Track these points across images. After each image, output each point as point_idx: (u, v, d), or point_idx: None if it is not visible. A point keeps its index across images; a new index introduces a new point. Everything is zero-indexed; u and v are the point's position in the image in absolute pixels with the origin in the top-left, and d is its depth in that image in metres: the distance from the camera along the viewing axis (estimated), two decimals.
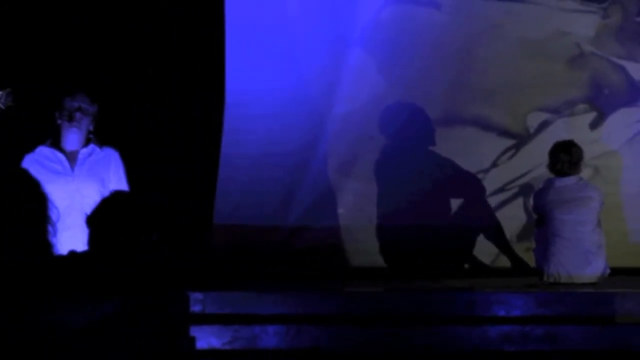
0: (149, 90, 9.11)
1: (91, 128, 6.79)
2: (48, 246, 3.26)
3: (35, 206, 3.26)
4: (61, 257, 3.37)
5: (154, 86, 9.11)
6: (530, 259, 8.63)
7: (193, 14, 9.10)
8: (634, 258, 8.94)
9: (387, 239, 9.24)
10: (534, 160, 9.13)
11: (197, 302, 7.11)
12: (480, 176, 9.31)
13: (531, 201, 8.55)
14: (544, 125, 9.32)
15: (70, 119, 6.68)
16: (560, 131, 9.04)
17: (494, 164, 9.34)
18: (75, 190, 6.47)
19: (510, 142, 9.35)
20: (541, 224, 8.13)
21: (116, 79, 8.98)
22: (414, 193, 9.23)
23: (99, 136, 6.90)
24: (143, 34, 9.11)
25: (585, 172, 8.48)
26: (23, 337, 3.08)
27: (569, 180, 8.07)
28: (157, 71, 9.13)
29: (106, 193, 6.58)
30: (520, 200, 9.29)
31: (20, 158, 6.83)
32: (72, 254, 3.48)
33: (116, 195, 3.96)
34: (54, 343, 3.10)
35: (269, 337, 7.00)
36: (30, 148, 6.84)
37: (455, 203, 9.30)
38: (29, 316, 3.12)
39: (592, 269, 7.97)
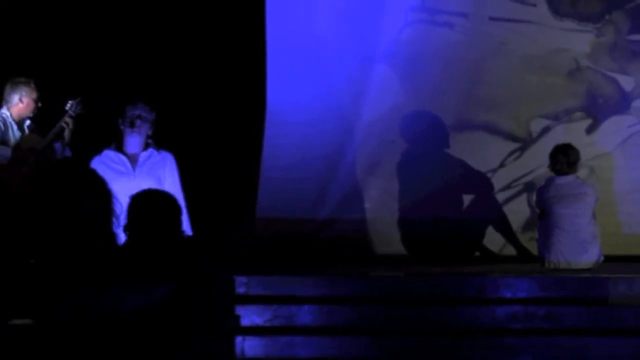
0: (202, 100, 9.15)
1: (150, 133, 6.80)
2: (112, 235, 3.27)
3: (101, 201, 3.27)
4: (123, 245, 3.38)
5: (206, 97, 9.15)
6: (533, 248, 8.59)
7: (239, 36, 9.15)
8: (625, 247, 8.89)
9: (407, 230, 9.22)
10: (536, 161, 9.09)
11: (242, 285, 7.11)
12: (489, 175, 9.28)
13: (534, 197, 8.51)
14: (545, 130, 9.28)
15: (132, 125, 6.69)
16: (559, 136, 9.00)
17: (501, 164, 9.30)
18: (136, 189, 6.43)
19: (515, 145, 9.31)
20: (543, 217, 8.09)
21: (173, 89, 9.02)
22: (431, 190, 9.21)
23: (156, 139, 6.92)
24: (198, 51, 9.15)
25: (582, 172, 8.43)
26: (89, 315, 3.09)
27: (568, 179, 8.03)
28: (208, 84, 9.16)
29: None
30: (524, 196, 9.25)
31: (88, 159, 6.86)
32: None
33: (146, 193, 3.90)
34: (115, 321, 3.11)
35: (304, 315, 7.00)
36: (97, 150, 6.87)
37: (467, 198, 9.27)
38: (95, 297, 3.13)
39: (588, 257, 7.92)
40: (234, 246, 8.51)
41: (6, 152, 7.37)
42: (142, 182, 6.55)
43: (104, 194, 3.27)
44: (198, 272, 3.59)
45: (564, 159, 8.05)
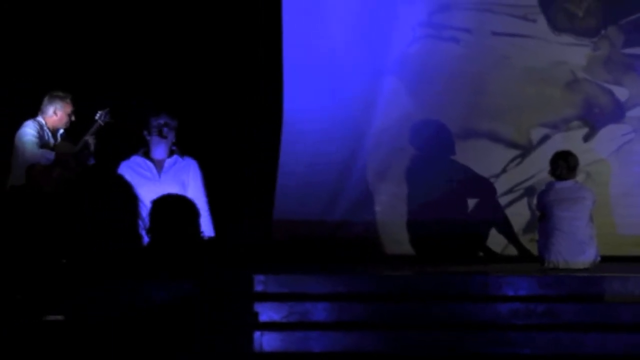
0: (223, 109, 9.16)
1: (174, 139, 6.81)
2: (138, 236, 3.28)
3: (128, 204, 3.27)
4: (148, 245, 3.38)
5: (228, 106, 9.16)
6: (533, 249, 8.56)
7: (258, 50, 9.17)
8: (620, 247, 8.85)
9: (415, 231, 9.21)
10: (536, 167, 9.07)
11: (260, 283, 7.10)
12: (492, 180, 9.25)
13: (535, 200, 8.48)
14: (544, 138, 9.25)
15: (160, 134, 6.71)
16: (558, 143, 8.97)
17: (503, 170, 9.27)
18: (161, 193, 6.46)
19: (516, 152, 9.28)
20: (543, 219, 8.07)
21: (195, 99, 9.03)
22: (438, 193, 9.19)
23: (180, 146, 6.92)
24: (220, 65, 9.16)
25: (580, 177, 8.40)
26: (119, 310, 3.09)
27: (567, 184, 8.00)
28: (230, 94, 9.18)
29: (186, 195, 6.64)
30: (525, 200, 9.22)
31: (116, 164, 6.87)
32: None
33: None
34: (143, 315, 3.11)
35: (319, 311, 6.99)
36: (124, 156, 6.88)
37: (471, 202, 9.25)
38: (123, 293, 3.13)
39: (586, 257, 7.89)
40: (252, 247, 8.51)
41: (50, 155, 7.39)
42: (167, 187, 6.55)
43: (131, 198, 3.27)
44: (217, 271, 3.58)
45: (564, 164, 8.02)
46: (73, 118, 7.66)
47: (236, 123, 9.13)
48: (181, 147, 6.95)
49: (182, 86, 9.03)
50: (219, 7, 9.20)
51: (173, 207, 3.73)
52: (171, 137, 6.79)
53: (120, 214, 3.24)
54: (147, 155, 6.77)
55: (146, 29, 9.05)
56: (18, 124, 7.56)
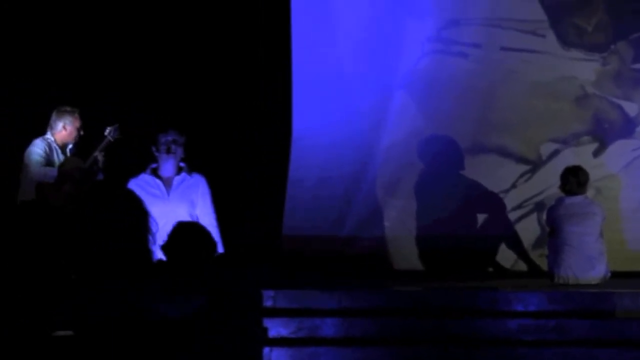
0: (233, 126, 9.19)
1: (182, 155, 6.82)
2: (148, 252, 3.28)
3: (138, 219, 3.28)
4: (159, 261, 3.39)
5: (238, 124, 9.19)
6: (543, 264, 8.55)
7: (267, 67, 9.20)
8: (631, 263, 8.83)
9: (424, 247, 9.19)
10: (546, 182, 9.06)
11: (269, 298, 7.10)
12: (501, 195, 9.24)
13: (544, 216, 8.47)
14: (554, 153, 9.24)
15: (169, 150, 6.72)
16: (568, 158, 8.96)
17: (513, 185, 9.27)
18: (170, 211, 6.45)
19: (526, 168, 9.27)
20: (553, 234, 8.06)
21: (204, 116, 9.06)
22: (447, 209, 9.18)
23: (189, 161, 6.94)
24: (229, 81, 9.20)
25: (590, 192, 8.38)
26: (131, 325, 3.09)
27: (577, 199, 7.99)
28: (240, 112, 9.21)
29: (194, 213, 6.65)
30: (534, 215, 9.21)
31: (126, 180, 6.89)
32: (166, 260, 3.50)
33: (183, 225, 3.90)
34: (154, 330, 3.12)
35: (328, 327, 6.98)
36: (133, 172, 6.90)
37: (480, 217, 9.24)
38: (134, 308, 3.13)
39: (596, 272, 7.87)
40: (261, 262, 8.51)
41: (53, 172, 7.44)
42: (176, 206, 6.56)
43: (141, 213, 3.28)
44: (229, 286, 3.59)
45: (574, 179, 8.02)
46: (82, 132, 7.71)
47: (246, 140, 9.15)
48: (190, 163, 6.96)
49: (188, 98, 9.07)
50: (229, 18, 9.23)
51: (190, 235, 3.74)
52: (179, 153, 6.80)
53: (130, 228, 3.25)
54: (155, 173, 6.77)
55: (155, 40, 9.09)
56: (19, 126, 7.64)
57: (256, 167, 9.14)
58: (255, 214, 8.97)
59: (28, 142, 7.57)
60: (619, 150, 9.23)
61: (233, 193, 8.51)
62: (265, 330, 6.87)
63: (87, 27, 9.03)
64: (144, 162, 7.04)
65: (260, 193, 9.09)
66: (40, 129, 7.72)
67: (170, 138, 6.76)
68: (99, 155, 7.58)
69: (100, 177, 7.63)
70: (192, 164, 6.94)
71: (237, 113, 9.21)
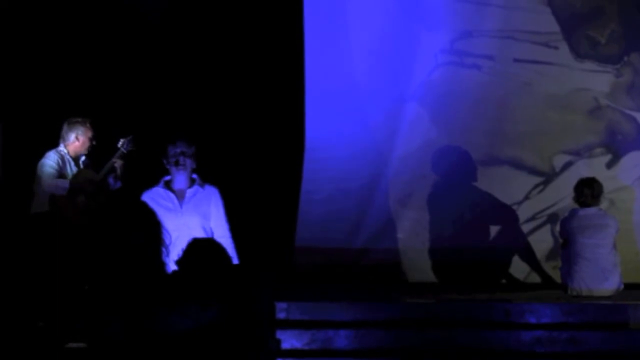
0: (247, 138, 9.20)
1: (194, 166, 6.80)
2: (161, 264, 3.29)
3: (151, 232, 3.29)
4: (172, 273, 3.39)
5: (252, 135, 9.20)
6: (556, 276, 8.52)
7: (280, 78, 9.21)
8: None
9: (437, 259, 9.19)
10: (559, 194, 9.05)
11: (282, 310, 7.11)
12: (514, 207, 9.23)
13: (558, 227, 8.45)
14: (567, 165, 9.23)
15: (177, 163, 6.69)
16: (581, 170, 8.95)
17: (526, 197, 9.25)
18: (183, 224, 6.45)
19: (539, 179, 9.26)
20: (566, 246, 8.04)
21: (218, 126, 9.08)
22: (460, 220, 9.17)
23: (201, 173, 6.93)
24: (242, 92, 9.21)
25: (603, 204, 8.36)
26: (144, 337, 3.09)
27: (590, 211, 7.98)
28: (254, 123, 9.22)
29: (208, 225, 6.64)
30: (548, 227, 9.19)
31: (140, 192, 6.89)
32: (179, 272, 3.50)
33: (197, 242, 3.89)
34: (167, 341, 3.12)
35: (341, 338, 6.98)
36: (147, 184, 6.90)
37: (493, 229, 9.22)
38: (148, 320, 3.14)
39: (609, 284, 7.85)
40: (275, 274, 8.51)
41: (65, 184, 7.46)
42: (189, 219, 6.55)
43: (154, 225, 3.28)
44: (243, 298, 3.59)
45: (589, 191, 8.01)
46: (94, 142, 7.73)
47: (259, 151, 9.16)
48: (202, 174, 6.95)
49: (202, 110, 9.09)
50: (242, 30, 9.26)
51: (205, 252, 3.74)
52: (189, 164, 6.76)
53: (143, 241, 3.25)
54: (168, 185, 6.77)
55: (170, 51, 9.12)
56: (33, 137, 7.68)
57: (269, 178, 9.14)
58: (268, 226, 8.98)
59: (41, 153, 7.60)
60: (633, 162, 9.21)
61: (246, 205, 8.51)
62: (278, 342, 6.86)
63: (99, 37, 9.07)
64: (158, 174, 7.05)
65: (273, 205, 9.09)
66: (53, 141, 7.75)
67: (178, 150, 6.73)
68: (117, 162, 7.60)
69: (119, 184, 7.65)
70: (205, 175, 6.93)
71: (251, 124, 9.23)
